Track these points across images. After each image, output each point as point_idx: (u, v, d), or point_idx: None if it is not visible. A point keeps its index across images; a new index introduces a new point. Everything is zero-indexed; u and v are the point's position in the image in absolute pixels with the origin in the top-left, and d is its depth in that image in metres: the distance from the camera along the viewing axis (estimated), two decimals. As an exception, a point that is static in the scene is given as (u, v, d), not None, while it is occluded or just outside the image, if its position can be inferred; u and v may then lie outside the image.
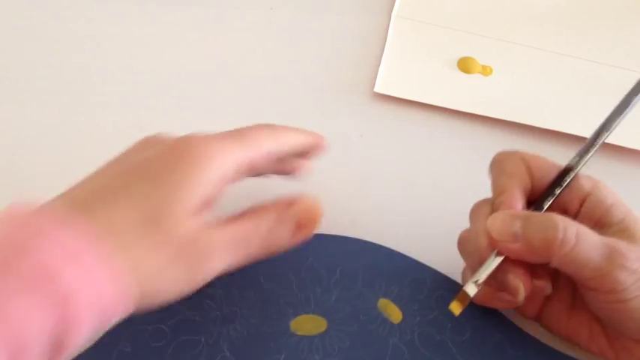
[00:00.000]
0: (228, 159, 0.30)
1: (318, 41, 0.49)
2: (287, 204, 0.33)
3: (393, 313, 0.35)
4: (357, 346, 0.34)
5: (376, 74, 0.47)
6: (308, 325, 0.35)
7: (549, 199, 0.33)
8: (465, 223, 0.41)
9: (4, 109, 0.45)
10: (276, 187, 0.42)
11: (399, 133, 0.45)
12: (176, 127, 0.44)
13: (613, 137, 0.44)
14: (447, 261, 0.38)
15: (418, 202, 0.42)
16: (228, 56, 0.48)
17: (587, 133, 0.44)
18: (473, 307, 0.36)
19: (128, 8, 0.50)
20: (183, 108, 0.45)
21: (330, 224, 0.39)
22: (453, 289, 0.35)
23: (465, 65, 0.47)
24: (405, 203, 0.41)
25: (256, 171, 0.33)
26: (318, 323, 0.35)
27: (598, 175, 0.43)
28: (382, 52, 0.48)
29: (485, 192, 0.43)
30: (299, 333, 0.35)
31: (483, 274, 0.31)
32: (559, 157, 0.44)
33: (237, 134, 0.31)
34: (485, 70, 0.47)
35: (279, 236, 0.32)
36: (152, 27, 0.49)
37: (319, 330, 0.35)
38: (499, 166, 0.35)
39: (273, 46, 0.49)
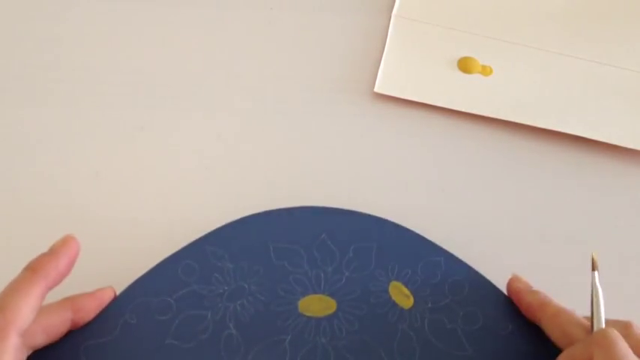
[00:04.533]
0: None
1: (318, 41, 0.49)
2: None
3: (405, 297, 0.34)
4: (365, 331, 0.33)
5: (376, 74, 0.47)
6: (317, 305, 0.34)
7: None
8: (464, 222, 0.41)
9: (4, 109, 0.45)
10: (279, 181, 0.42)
11: (399, 133, 0.45)
12: (176, 127, 0.44)
13: (613, 137, 0.44)
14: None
15: (418, 202, 0.42)
16: (228, 56, 0.48)
17: (587, 133, 0.44)
18: (486, 295, 0.35)
19: (128, 8, 0.50)
20: (183, 108, 0.45)
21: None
22: (468, 274, 0.35)
23: (465, 65, 0.47)
24: (405, 203, 0.42)
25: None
26: (327, 304, 0.34)
27: (598, 175, 0.44)
28: (382, 52, 0.48)
29: (485, 191, 0.43)
30: (307, 314, 0.34)
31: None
32: (559, 157, 0.44)
33: None
34: (485, 70, 0.47)
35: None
36: (152, 27, 0.49)
37: (328, 312, 0.34)
38: None
39: (273, 46, 0.49)
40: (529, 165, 0.44)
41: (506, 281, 0.36)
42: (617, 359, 0.28)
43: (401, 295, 0.35)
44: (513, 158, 0.44)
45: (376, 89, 0.46)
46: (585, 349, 0.29)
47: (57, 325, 0.32)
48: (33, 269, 0.30)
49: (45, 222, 0.40)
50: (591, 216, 0.42)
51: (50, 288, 0.30)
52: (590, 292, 0.32)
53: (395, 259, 0.35)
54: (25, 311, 0.29)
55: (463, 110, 0.45)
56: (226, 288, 0.34)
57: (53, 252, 0.32)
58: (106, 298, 0.34)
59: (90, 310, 0.33)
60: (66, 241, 0.32)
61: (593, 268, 0.33)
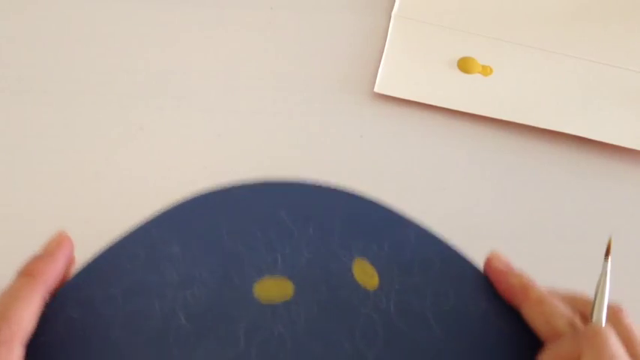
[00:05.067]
0: None
1: (318, 41, 0.49)
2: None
3: (369, 277, 0.32)
4: (325, 316, 0.31)
5: (376, 74, 0.47)
6: (273, 290, 0.31)
7: None
8: (463, 222, 0.41)
9: (4, 109, 0.45)
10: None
11: (399, 133, 0.45)
12: (176, 127, 0.44)
13: (613, 137, 0.44)
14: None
15: (418, 202, 0.42)
16: (228, 56, 0.48)
17: (587, 133, 0.44)
18: (459, 272, 0.32)
19: (128, 8, 0.50)
20: (183, 108, 0.45)
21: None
22: (440, 249, 0.32)
23: (465, 65, 0.47)
24: (405, 203, 0.41)
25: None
26: (284, 288, 0.31)
27: (598, 175, 0.44)
28: (382, 52, 0.48)
29: (485, 191, 0.43)
30: (263, 300, 0.31)
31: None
32: (559, 157, 0.44)
33: None
34: (486, 70, 0.47)
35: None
36: (152, 27, 0.49)
37: (285, 297, 0.31)
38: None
39: (273, 46, 0.49)
40: (529, 165, 0.44)
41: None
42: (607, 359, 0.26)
43: (365, 275, 0.32)
44: (513, 158, 0.44)
45: (376, 89, 0.46)
46: (574, 345, 0.28)
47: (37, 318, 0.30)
48: (32, 274, 0.29)
49: (45, 222, 0.40)
50: (591, 216, 0.42)
51: (50, 293, 0.29)
52: (597, 280, 0.30)
53: (360, 235, 0.32)
54: (28, 321, 0.28)
55: (463, 110, 0.45)
56: (175, 276, 0.31)
57: (50, 254, 0.30)
58: (67, 262, 0.31)
59: (56, 285, 0.31)
60: (61, 242, 0.31)
61: (607, 254, 0.31)
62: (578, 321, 0.29)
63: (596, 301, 0.30)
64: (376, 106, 0.46)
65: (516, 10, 0.51)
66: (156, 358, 0.30)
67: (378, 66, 0.47)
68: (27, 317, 0.28)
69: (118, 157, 0.43)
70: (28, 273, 0.29)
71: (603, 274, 0.30)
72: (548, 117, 0.45)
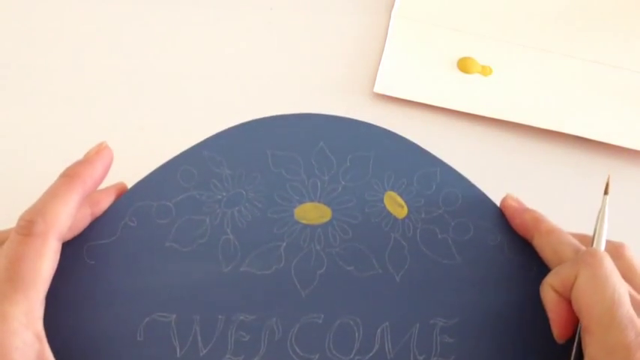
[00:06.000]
0: (13, 322, 0.27)
1: (318, 41, 0.49)
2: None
3: (399, 207, 0.35)
4: (359, 239, 0.34)
5: (376, 74, 0.47)
6: (312, 213, 0.34)
7: None
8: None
9: (4, 110, 0.45)
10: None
11: (399, 133, 0.45)
12: (176, 127, 0.44)
13: (613, 137, 0.44)
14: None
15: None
16: (228, 56, 0.48)
17: (587, 133, 0.44)
18: (478, 207, 0.35)
19: (128, 8, 0.50)
20: (183, 108, 0.45)
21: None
22: (462, 186, 0.35)
23: (464, 65, 0.47)
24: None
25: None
26: (323, 212, 0.34)
27: (598, 175, 0.44)
28: (382, 52, 0.48)
29: (485, 191, 0.43)
30: (303, 221, 0.34)
31: None
32: (559, 157, 0.44)
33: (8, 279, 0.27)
34: (485, 70, 0.47)
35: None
36: (152, 27, 0.49)
37: (323, 220, 0.34)
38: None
39: (273, 46, 0.49)
40: (529, 165, 0.44)
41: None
42: (601, 278, 0.28)
43: (395, 205, 0.35)
44: (513, 158, 0.44)
45: (376, 89, 0.46)
46: (572, 267, 0.29)
47: (81, 221, 0.32)
48: (70, 176, 0.31)
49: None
50: (591, 216, 0.42)
51: (86, 194, 0.31)
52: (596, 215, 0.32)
53: (392, 168, 0.36)
54: (63, 217, 0.29)
55: (463, 110, 0.45)
56: (224, 194, 0.34)
57: (88, 160, 0.32)
58: (120, 192, 0.34)
59: (106, 204, 0.33)
60: (100, 150, 0.33)
61: (606, 192, 0.33)
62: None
63: (596, 231, 0.32)
64: (376, 106, 0.46)
65: (516, 10, 0.51)
66: (204, 269, 0.33)
67: (378, 66, 0.47)
68: (63, 213, 0.29)
69: (117, 157, 0.43)
70: (66, 174, 0.31)
71: (603, 207, 0.33)
72: (548, 117, 0.45)
